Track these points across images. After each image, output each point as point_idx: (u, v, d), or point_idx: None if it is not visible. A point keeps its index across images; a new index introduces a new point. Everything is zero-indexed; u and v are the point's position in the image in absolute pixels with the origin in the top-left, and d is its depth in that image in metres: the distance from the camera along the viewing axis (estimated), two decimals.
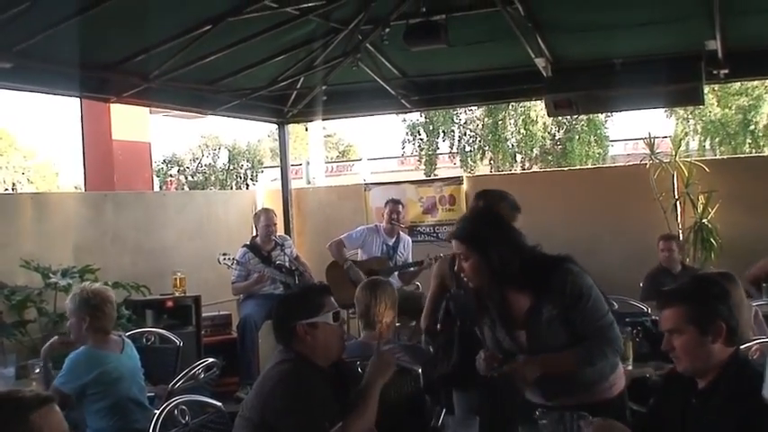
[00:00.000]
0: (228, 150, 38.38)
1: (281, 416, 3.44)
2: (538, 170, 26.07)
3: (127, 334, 5.53)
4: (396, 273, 8.96)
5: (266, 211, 9.36)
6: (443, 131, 31.02)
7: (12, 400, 2.59)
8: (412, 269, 9.14)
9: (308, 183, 23.02)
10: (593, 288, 3.76)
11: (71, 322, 5.17)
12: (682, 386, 3.18)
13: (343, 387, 3.72)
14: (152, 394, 5.31)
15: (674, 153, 9.98)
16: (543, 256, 3.88)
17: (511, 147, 30.05)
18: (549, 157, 29.97)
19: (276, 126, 11.40)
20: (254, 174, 36.93)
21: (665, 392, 3.37)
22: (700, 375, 3.11)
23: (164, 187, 34.31)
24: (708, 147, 28.69)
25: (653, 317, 6.34)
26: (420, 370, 4.72)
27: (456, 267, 3.83)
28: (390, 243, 9.25)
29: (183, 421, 4.00)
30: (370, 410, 3.53)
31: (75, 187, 30.56)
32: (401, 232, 9.42)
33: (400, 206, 9.33)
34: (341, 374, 3.77)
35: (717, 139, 28.65)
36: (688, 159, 10.00)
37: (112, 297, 5.30)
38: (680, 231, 9.47)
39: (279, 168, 11.83)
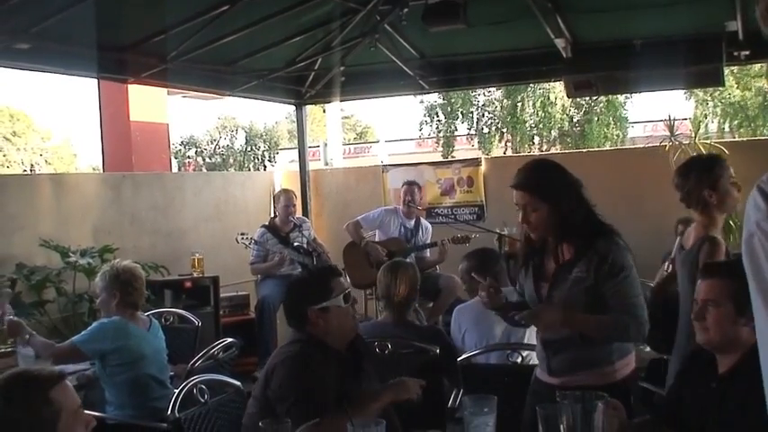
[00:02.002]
0: (246, 132, 38.42)
1: (280, 395, 3.45)
2: (556, 152, 25.96)
3: (146, 314, 5.55)
4: (413, 254, 8.94)
5: (286, 191, 9.36)
6: (462, 113, 30.92)
7: (31, 379, 2.64)
8: (428, 254, 9.11)
9: (326, 164, 23.03)
10: (632, 268, 3.70)
11: (101, 298, 5.26)
12: (702, 369, 3.16)
13: (358, 366, 3.71)
14: (172, 373, 5.35)
15: (693, 135, 9.91)
16: (596, 218, 3.82)
17: (529, 128, 29.93)
18: (568, 139, 29.85)
19: (294, 107, 11.39)
20: (272, 155, 36.95)
21: (685, 374, 3.35)
22: (722, 352, 3.08)
23: (182, 169, 34.39)
24: (727, 129, 28.48)
25: None
26: (438, 351, 4.74)
27: (520, 219, 3.74)
28: (409, 225, 9.22)
29: (203, 400, 4.01)
30: (357, 416, 3.46)
31: (93, 168, 30.67)
32: (421, 217, 9.39)
33: (416, 188, 9.27)
34: (356, 352, 3.76)
35: (736, 122, 28.46)
36: (708, 141, 9.93)
37: (142, 274, 5.40)
38: None
39: (296, 150, 11.83)
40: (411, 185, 9.27)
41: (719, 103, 28.40)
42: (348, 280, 9.13)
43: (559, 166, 3.89)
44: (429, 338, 4.91)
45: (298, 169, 11.49)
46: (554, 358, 3.77)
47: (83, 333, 5.11)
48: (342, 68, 9.31)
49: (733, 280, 3.03)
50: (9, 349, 5.19)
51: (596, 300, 3.60)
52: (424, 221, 9.40)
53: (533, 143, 30.24)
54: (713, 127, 27.70)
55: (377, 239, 9.17)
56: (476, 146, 31.19)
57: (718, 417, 2.93)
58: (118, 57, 7.74)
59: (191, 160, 37.43)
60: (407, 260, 6.93)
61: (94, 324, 5.16)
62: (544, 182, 3.74)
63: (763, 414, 2.80)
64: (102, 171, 14.07)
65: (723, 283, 3.07)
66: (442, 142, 31.13)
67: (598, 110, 28.99)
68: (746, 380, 2.95)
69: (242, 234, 8.85)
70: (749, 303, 2.99)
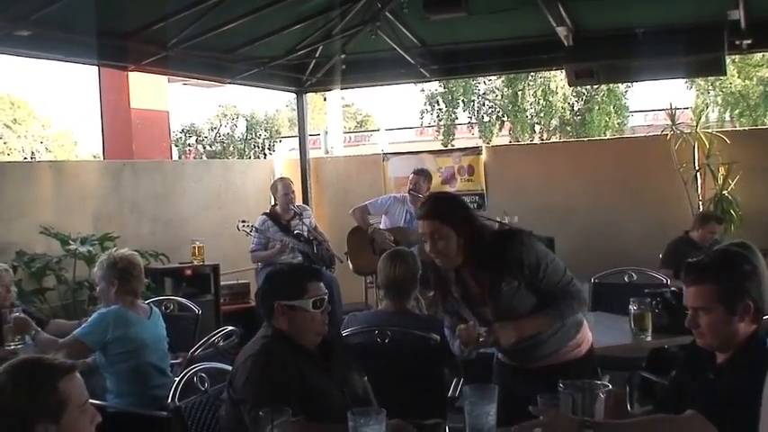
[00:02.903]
0: (246, 120, 38.35)
1: (241, 396, 3.44)
2: (557, 141, 25.94)
3: (146, 302, 5.55)
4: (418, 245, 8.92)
5: (282, 179, 9.31)
6: (462, 101, 30.85)
7: (41, 366, 2.62)
8: None
9: (327, 153, 22.97)
10: (548, 252, 3.87)
11: (100, 288, 5.25)
12: (702, 360, 3.16)
13: (327, 365, 3.68)
14: (177, 360, 5.34)
15: (695, 124, 9.91)
16: (495, 232, 4.02)
17: (530, 117, 29.88)
18: (569, 128, 29.80)
19: (294, 95, 11.37)
20: (272, 143, 36.89)
21: (686, 365, 3.34)
22: (722, 351, 3.08)
23: (182, 157, 34.35)
24: (728, 118, 28.43)
25: (672, 288, 6.30)
26: (438, 340, 4.73)
27: (428, 249, 3.85)
28: (414, 213, 9.21)
29: (203, 388, 4.01)
30: None
31: (94, 156, 30.64)
32: None
33: (422, 178, 9.25)
34: (327, 351, 3.73)
35: (737, 111, 28.40)
36: (709, 131, 9.92)
37: (139, 261, 5.39)
38: (700, 203, 9.42)
39: (297, 138, 11.82)
40: (417, 175, 9.23)
41: (721, 93, 28.33)
42: (351, 266, 9.20)
43: (456, 196, 4.36)
44: (429, 327, 4.89)
45: (298, 157, 11.48)
46: (519, 353, 3.93)
47: (83, 326, 5.09)
48: (342, 56, 9.30)
49: (718, 282, 3.02)
50: (19, 345, 5.17)
51: (535, 297, 3.80)
52: None
53: (534, 132, 30.18)
54: (714, 116, 27.65)
55: (382, 226, 9.15)
56: (476, 134, 31.14)
57: (711, 407, 2.92)
58: (118, 44, 7.74)
59: (191, 148, 37.34)
60: (412, 249, 6.92)
61: (94, 315, 5.14)
62: (446, 209, 3.87)
63: (753, 405, 2.80)
64: (102, 159, 14.06)
65: (710, 289, 3.03)
66: (442, 131, 31.08)
67: (599, 98, 28.90)
68: (741, 370, 2.95)
69: (243, 222, 8.83)
70: (739, 300, 2.99)
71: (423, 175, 9.26)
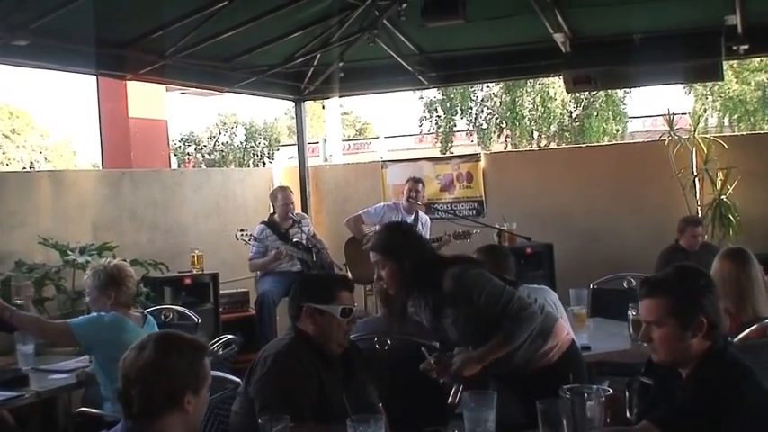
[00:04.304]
0: (245, 128, 38.36)
1: (258, 390, 3.48)
2: (555, 147, 25.95)
3: (145, 311, 5.54)
4: None
5: (283, 189, 9.32)
6: (461, 109, 30.89)
7: (195, 343, 2.90)
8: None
9: (325, 160, 23.02)
10: (481, 277, 4.01)
11: (92, 297, 5.19)
12: (671, 374, 3.12)
13: (348, 373, 3.74)
14: None
15: (692, 129, 9.92)
16: (439, 263, 4.17)
17: (528, 124, 29.91)
18: (567, 134, 29.83)
19: (293, 104, 11.38)
20: (271, 152, 36.91)
21: (659, 378, 3.29)
22: (678, 367, 3.05)
23: (181, 165, 34.35)
24: (726, 123, 28.45)
25: None
26: (437, 345, 4.73)
27: (375, 276, 4.19)
28: (409, 221, 9.24)
29: None
30: None
31: (93, 165, 30.64)
32: (420, 211, 9.42)
33: (420, 185, 9.31)
34: (348, 361, 3.79)
35: (735, 116, 28.42)
36: (707, 136, 9.93)
37: (133, 274, 5.36)
38: (698, 208, 9.42)
39: (296, 146, 11.82)
40: (416, 182, 9.30)
41: (719, 98, 28.35)
42: (350, 276, 9.19)
43: (408, 229, 4.71)
44: (428, 333, 4.91)
45: (297, 165, 11.48)
46: (492, 368, 4.04)
47: (79, 317, 5.10)
48: (341, 64, 9.31)
49: (671, 297, 3.00)
50: None
51: (481, 322, 3.97)
52: (422, 215, 9.43)
53: (533, 138, 30.22)
54: (713, 121, 27.70)
55: None
56: (475, 141, 31.16)
57: (673, 421, 2.89)
58: (116, 53, 7.74)
59: (190, 157, 37.34)
60: None
61: (93, 314, 5.12)
62: (388, 242, 4.23)
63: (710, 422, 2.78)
64: (101, 168, 14.07)
65: (663, 302, 3.01)
66: (441, 138, 31.12)
67: (597, 105, 28.95)
68: (699, 385, 2.92)
69: (241, 231, 8.83)
70: (692, 316, 2.95)
71: (420, 182, 9.32)
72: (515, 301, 3.95)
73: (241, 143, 38.06)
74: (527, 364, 4.03)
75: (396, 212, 9.23)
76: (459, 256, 4.22)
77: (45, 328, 5.07)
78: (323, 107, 24.40)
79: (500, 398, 3.17)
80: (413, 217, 9.25)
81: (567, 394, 2.85)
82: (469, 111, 31.14)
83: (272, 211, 9.38)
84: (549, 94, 28.61)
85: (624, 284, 6.91)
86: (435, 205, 10.72)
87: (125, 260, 5.84)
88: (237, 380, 4.31)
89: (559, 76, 9.51)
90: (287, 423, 2.98)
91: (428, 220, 9.49)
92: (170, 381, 2.71)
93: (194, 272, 8.71)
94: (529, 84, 28.38)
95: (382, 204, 9.51)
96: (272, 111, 53.59)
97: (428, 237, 9.28)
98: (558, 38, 8.01)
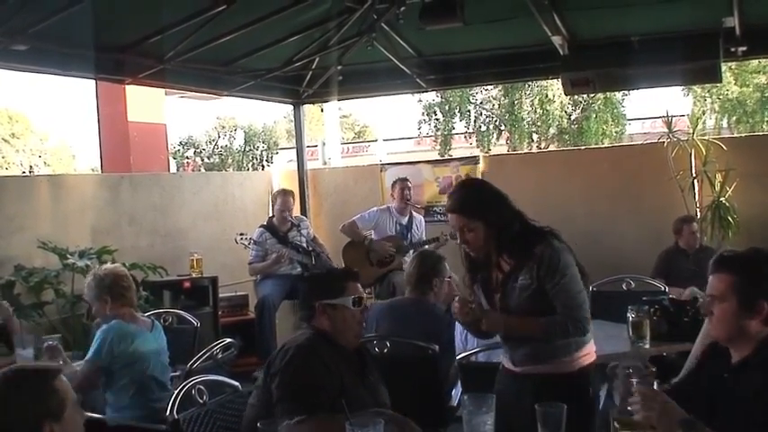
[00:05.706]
0: (244, 132, 38.36)
1: (278, 384, 3.50)
2: (554, 149, 25.95)
3: (145, 315, 5.55)
4: (411, 251, 8.96)
5: (283, 193, 9.32)
6: (459, 111, 30.91)
7: (34, 371, 2.85)
8: (427, 247, 9.14)
9: (324, 163, 22.97)
10: (571, 266, 3.79)
11: (95, 308, 5.24)
12: (717, 359, 3.16)
13: (363, 368, 3.78)
14: (177, 373, 5.34)
15: (691, 131, 9.91)
16: (530, 225, 3.93)
17: (527, 126, 29.93)
18: (566, 137, 29.84)
19: (292, 107, 11.38)
20: (270, 155, 36.91)
21: (700, 366, 3.34)
22: (733, 346, 3.08)
23: (180, 169, 34.34)
24: (725, 125, 28.45)
25: (671, 296, 6.32)
26: (437, 349, 4.75)
27: (459, 240, 3.90)
28: (403, 222, 9.28)
29: (201, 401, 4.00)
30: None
31: (92, 169, 30.61)
32: (413, 212, 9.44)
33: (408, 183, 9.37)
34: (362, 356, 3.85)
35: (734, 118, 28.44)
36: (705, 138, 9.91)
37: (126, 271, 5.37)
38: (697, 210, 9.41)
39: (295, 149, 11.83)
40: (404, 181, 9.36)
41: (717, 100, 28.38)
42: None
43: (485, 184, 4.24)
44: (438, 323, 5.21)
45: (296, 168, 11.49)
46: (515, 352, 3.90)
47: (90, 351, 5.07)
48: (339, 68, 9.31)
49: (738, 274, 3.03)
50: None
51: (544, 302, 3.74)
52: (416, 215, 9.47)
53: (531, 141, 30.23)
54: (711, 123, 27.68)
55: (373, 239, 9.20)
56: (474, 144, 31.17)
57: (726, 407, 2.93)
58: (115, 57, 7.75)
59: (189, 160, 37.35)
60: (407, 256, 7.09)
61: (97, 335, 5.08)
62: (474, 201, 3.90)
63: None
64: (100, 172, 14.05)
65: (729, 278, 3.05)
66: (440, 141, 31.14)
67: (596, 107, 28.97)
68: (757, 372, 2.95)
69: (241, 234, 8.85)
70: (754, 298, 2.99)
71: (408, 182, 9.37)
72: (585, 307, 3.81)
73: (240, 146, 38.07)
74: (550, 359, 3.81)
75: (389, 215, 9.27)
76: (545, 228, 3.93)
77: (80, 381, 4.93)
78: (321, 110, 24.28)
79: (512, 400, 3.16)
80: (406, 218, 9.28)
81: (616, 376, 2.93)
82: (468, 113, 31.16)
83: (270, 213, 9.40)
84: (547, 96, 28.64)
85: (623, 286, 6.92)
86: (434, 208, 10.73)
87: (124, 264, 5.85)
88: (236, 384, 4.32)
89: (558, 78, 9.49)
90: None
91: (422, 220, 9.53)
92: (18, 420, 2.64)
93: (193, 275, 8.72)
94: (527, 86, 28.41)
95: (375, 209, 9.52)
96: (270, 114, 53.67)
97: (423, 237, 9.32)
98: (556, 40, 8.02)
